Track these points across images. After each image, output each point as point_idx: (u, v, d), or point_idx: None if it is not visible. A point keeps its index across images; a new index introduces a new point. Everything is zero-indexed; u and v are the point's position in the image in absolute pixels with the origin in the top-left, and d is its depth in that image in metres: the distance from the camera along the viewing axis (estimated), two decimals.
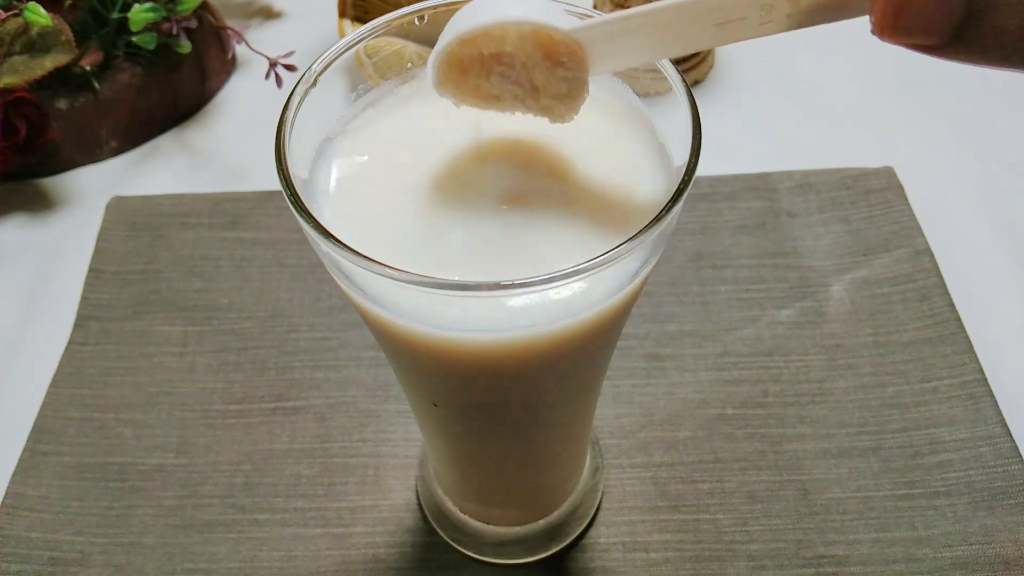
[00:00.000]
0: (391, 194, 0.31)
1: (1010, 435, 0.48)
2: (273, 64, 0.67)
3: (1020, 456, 0.47)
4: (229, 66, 0.75)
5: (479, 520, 0.46)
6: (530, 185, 0.31)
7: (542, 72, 0.29)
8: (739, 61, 0.74)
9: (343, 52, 0.33)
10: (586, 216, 0.30)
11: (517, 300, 0.27)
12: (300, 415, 0.51)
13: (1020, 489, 0.46)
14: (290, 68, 0.67)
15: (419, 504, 0.48)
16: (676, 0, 0.26)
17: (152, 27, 0.66)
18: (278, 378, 0.53)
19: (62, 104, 0.65)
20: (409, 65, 0.36)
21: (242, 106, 0.73)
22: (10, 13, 0.59)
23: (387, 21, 0.34)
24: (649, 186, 0.31)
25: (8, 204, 0.65)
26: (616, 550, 0.46)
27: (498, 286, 0.25)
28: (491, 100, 0.30)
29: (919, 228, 0.58)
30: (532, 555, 0.46)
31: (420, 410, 0.40)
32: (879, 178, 0.61)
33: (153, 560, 0.46)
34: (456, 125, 0.33)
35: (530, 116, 0.30)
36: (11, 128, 0.62)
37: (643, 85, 0.34)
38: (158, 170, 0.68)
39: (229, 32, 0.72)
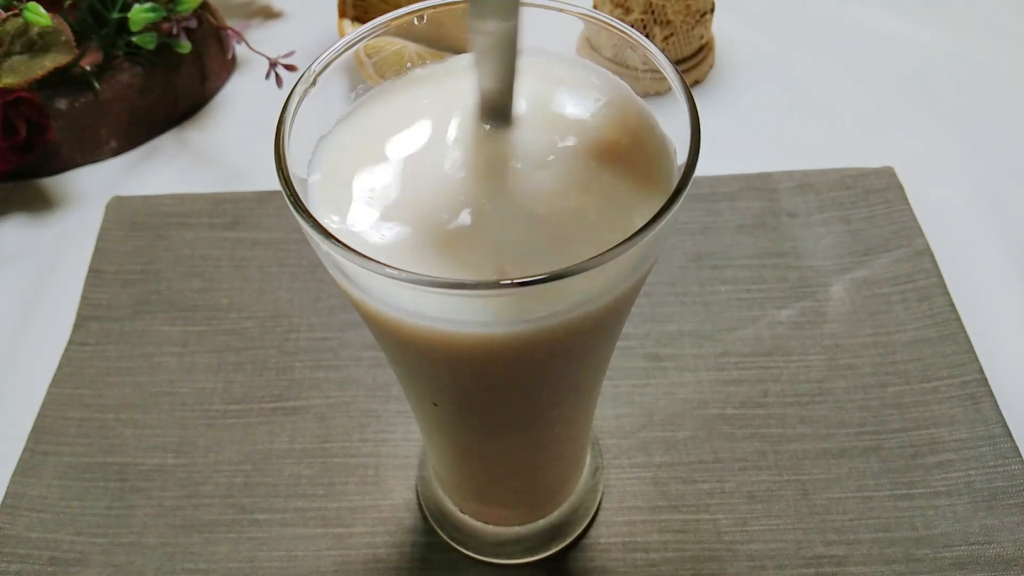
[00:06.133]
0: (391, 191, 0.31)
1: (1010, 435, 0.48)
2: (273, 64, 0.67)
3: (1020, 456, 0.47)
4: (229, 66, 0.75)
5: (479, 520, 0.46)
6: (529, 182, 0.31)
7: None
8: (739, 61, 0.74)
9: (343, 52, 0.33)
10: (585, 214, 0.30)
11: (515, 299, 0.27)
12: (300, 415, 0.51)
13: (1020, 489, 0.46)
14: (290, 68, 0.67)
15: (419, 504, 0.48)
16: None
17: (152, 27, 0.66)
18: (278, 378, 0.53)
19: (62, 104, 0.65)
20: (409, 65, 0.36)
21: (242, 106, 0.73)
22: (10, 13, 0.59)
23: (387, 21, 0.34)
24: (648, 186, 0.31)
25: (8, 204, 0.65)
26: (616, 550, 0.46)
27: (497, 285, 0.25)
28: None
29: (919, 228, 0.58)
30: (532, 555, 0.46)
31: (420, 410, 0.40)
32: (879, 178, 0.61)
33: (153, 560, 0.46)
34: (456, 119, 0.33)
35: (531, 111, 0.30)
36: (11, 128, 0.62)
37: (643, 85, 0.34)
38: (158, 170, 0.68)
39: (229, 32, 0.72)
